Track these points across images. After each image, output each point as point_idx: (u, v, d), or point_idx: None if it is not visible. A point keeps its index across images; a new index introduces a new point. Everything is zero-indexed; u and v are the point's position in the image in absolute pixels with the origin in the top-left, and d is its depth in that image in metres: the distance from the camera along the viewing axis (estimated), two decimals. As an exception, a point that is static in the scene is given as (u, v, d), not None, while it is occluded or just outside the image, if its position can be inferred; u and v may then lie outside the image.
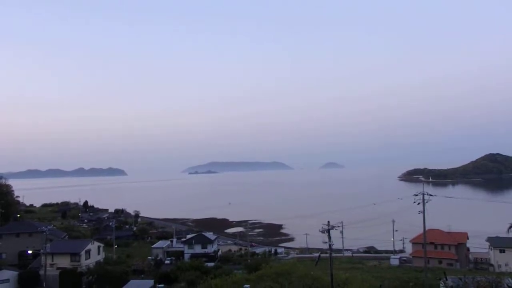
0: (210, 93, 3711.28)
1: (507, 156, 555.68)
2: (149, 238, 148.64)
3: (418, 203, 63.14)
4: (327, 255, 39.60)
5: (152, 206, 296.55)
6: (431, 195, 63.29)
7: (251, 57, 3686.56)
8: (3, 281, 62.51)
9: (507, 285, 25.87)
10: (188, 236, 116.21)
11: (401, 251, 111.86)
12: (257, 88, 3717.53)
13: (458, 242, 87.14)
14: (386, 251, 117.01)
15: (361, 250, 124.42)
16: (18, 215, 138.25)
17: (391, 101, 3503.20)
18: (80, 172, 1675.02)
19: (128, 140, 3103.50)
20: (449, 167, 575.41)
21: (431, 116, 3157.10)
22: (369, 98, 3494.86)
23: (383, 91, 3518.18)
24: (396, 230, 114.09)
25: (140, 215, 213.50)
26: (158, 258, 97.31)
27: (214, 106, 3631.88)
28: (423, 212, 62.36)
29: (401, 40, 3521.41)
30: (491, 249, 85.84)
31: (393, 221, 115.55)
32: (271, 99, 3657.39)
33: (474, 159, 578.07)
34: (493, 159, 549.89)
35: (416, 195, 63.38)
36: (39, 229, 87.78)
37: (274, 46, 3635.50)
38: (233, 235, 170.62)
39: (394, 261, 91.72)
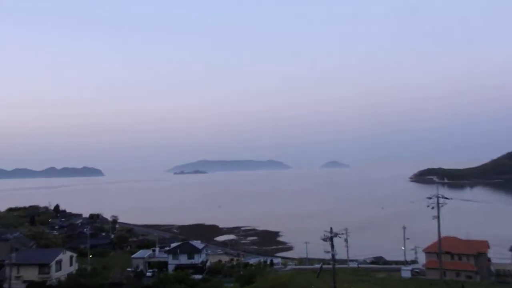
0: (201, 88, 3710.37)
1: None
2: (129, 246, 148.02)
3: (432, 207, 63.14)
4: (330, 266, 39.44)
5: (132, 211, 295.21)
6: (446, 198, 63.28)
7: (247, 50, 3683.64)
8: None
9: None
10: (173, 245, 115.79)
11: (414, 262, 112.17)
12: (251, 83, 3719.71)
13: (478, 251, 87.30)
14: (397, 262, 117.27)
15: (368, 261, 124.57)
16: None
17: (400, 95, 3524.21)
18: (51, 172, 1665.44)
19: (106, 137, 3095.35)
20: (466, 167, 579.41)
21: (445, 111, 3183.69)
22: (375, 93, 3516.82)
23: (390, 85, 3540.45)
24: (408, 238, 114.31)
25: (118, 220, 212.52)
26: (139, 270, 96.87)
27: (204, 101, 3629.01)
28: (438, 217, 62.35)
29: (409, 37, 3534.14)
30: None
31: (404, 228, 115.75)
32: (266, 94, 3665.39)
33: (494, 157, 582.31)
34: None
35: (430, 198, 63.34)
36: (3, 236, 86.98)
37: (274, 42, 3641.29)
38: (224, 243, 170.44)
39: (406, 273, 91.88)
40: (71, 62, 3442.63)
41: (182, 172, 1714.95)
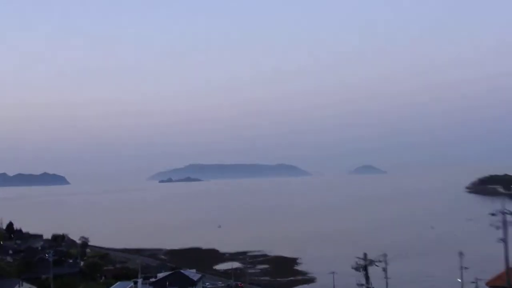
0: (191, 76, 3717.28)
1: None
2: (103, 277, 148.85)
3: (497, 227, 62.87)
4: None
5: (106, 230, 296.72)
6: (517, 215, 63.04)
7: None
8: None
9: None
10: (160, 275, 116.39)
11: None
12: (255, 67, 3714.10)
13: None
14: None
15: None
16: None
17: (451, 89, 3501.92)
18: (1, 179, 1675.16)
19: (71, 136, 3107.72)
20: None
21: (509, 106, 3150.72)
22: (418, 85, 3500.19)
23: (440, 79, 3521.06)
24: (466, 267, 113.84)
25: (89, 243, 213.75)
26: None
27: (195, 91, 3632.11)
28: (505, 240, 62.20)
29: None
30: None
31: (461, 254, 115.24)
32: (273, 81, 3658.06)
33: None
34: None
35: (494, 214, 62.98)
36: None
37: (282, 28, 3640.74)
38: (226, 273, 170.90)
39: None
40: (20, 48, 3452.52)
41: (169, 180, 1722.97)
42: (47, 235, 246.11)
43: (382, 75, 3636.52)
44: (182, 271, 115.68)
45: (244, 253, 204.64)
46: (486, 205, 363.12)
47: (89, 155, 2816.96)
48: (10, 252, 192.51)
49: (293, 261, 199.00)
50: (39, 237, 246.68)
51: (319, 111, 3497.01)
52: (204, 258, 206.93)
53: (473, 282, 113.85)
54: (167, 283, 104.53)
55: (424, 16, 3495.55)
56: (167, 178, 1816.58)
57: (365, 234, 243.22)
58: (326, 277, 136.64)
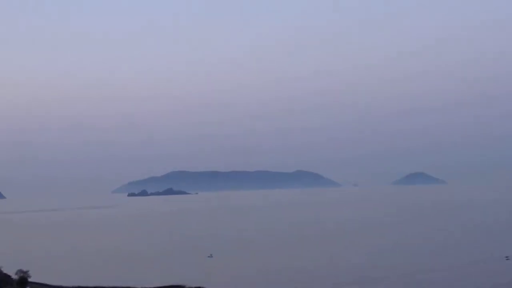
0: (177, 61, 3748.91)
1: None
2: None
3: None
4: None
5: (53, 262, 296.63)
6: None
7: None
8: None
9: None
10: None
11: None
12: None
13: None
14: None
15: None
16: None
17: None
18: None
19: (8, 136, 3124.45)
20: None
21: None
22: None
23: None
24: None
25: (30, 279, 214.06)
26: None
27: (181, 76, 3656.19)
28: None
29: None
30: None
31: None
32: (289, 65, 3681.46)
33: None
34: None
35: None
36: None
37: None
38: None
39: None
40: None
41: (143, 193, 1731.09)
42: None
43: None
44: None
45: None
46: None
47: (35, 159, 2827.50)
48: None
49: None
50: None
51: (351, 99, 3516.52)
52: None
53: None
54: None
55: None
56: (140, 190, 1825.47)
57: (414, 268, 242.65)
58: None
